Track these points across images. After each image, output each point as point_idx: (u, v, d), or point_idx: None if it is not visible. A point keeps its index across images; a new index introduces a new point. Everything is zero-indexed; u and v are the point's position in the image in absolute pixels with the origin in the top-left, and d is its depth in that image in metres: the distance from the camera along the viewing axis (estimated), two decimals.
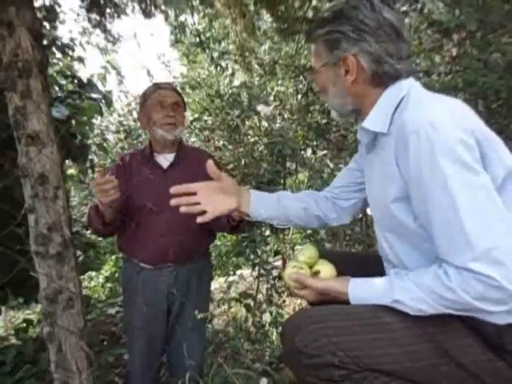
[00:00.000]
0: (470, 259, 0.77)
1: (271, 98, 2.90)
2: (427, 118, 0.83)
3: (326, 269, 1.08)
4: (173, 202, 1.13)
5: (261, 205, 1.24)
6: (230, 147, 2.73)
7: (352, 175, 1.30)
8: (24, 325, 2.43)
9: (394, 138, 0.91)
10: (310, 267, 1.11)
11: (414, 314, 0.86)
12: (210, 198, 1.14)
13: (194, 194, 1.14)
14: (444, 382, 0.87)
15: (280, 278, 2.59)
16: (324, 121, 2.81)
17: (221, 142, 2.86)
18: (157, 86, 1.74)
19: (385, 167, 0.97)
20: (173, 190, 1.14)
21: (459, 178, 0.79)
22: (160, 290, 1.68)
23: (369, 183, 1.15)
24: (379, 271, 1.07)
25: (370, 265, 1.12)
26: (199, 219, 1.11)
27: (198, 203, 1.13)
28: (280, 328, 2.21)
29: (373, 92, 1.01)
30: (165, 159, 1.74)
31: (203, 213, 1.12)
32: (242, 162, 2.58)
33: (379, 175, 1.02)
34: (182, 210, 1.13)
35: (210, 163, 1.18)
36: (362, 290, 0.95)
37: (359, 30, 0.96)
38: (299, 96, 2.94)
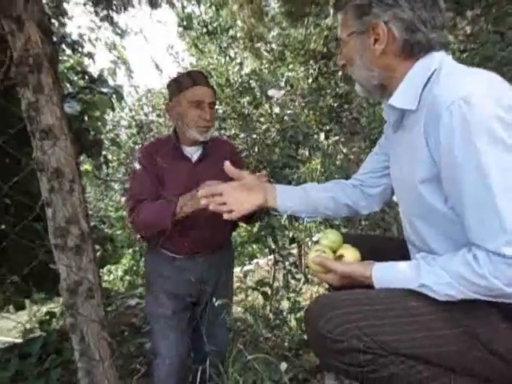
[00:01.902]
0: (503, 243, 0.74)
1: (282, 83, 2.86)
2: (461, 93, 0.77)
3: (350, 253, 1.06)
4: (203, 201, 1.16)
5: (287, 199, 1.23)
6: (243, 135, 2.71)
7: (377, 160, 1.25)
8: (47, 317, 2.49)
9: (424, 115, 0.86)
10: (334, 252, 1.09)
11: (441, 300, 0.84)
12: (236, 197, 1.15)
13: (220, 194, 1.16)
14: (476, 367, 0.84)
15: (296, 265, 2.59)
16: (336, 104, 2.76)
17: (232, 131, 2.84)
18: (193, 81, 1.62)
19: (413, 146, 0.91)
20: (200, 193, 1.17)
21: (495, 158, 0.74)
22: (191, 279, 1.67)
23: (394, 164, 1.09)
24: (404, 256, 1.04)
25: (394, 249, 1.09)
26: (226, 216, 1.14)
27: (225, 203, 1.14)
28: (298, 314, 2.21)
29: (402, 65, 0.94)
30: (193, 152, 1.70)
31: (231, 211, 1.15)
32: (256, 149, 2.56)
33: (406, 155, 0.97)
34: (211, 208, 1.15)
35: (227, 165, 1.19)
36: (388, 274, 0.92)
37: None
38: (310, 80, 2.89)
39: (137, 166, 1.66)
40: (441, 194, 0.87)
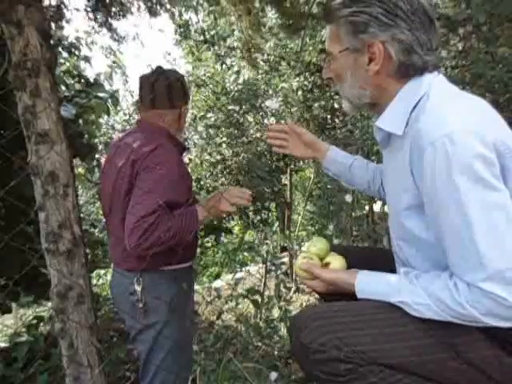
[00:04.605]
0: (481, 279, 0.75)
1: (277, 93, 2.89)
2: (445, 130, 0.77)
3: (337, 261, 1.09)
4: (269, 134, 1.35)
5: (334, 164, 1.33)
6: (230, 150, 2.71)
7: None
8: (35, 321, 2.45)
9: (410, 144, 0.85)
10: (321, 259, 1.11)
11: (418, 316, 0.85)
12: (295, 141, 1.33)
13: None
14: (454, 377, 0.86)
15: (287, 274, 2.60)
16: (328, 116, 2.80)
17: (223, 139, 2.84)
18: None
19: (399, 172, 0.92)
20: (275, 125, 1.39)
21: (475, 195, 0.76)
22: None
23: (384, 178, 1.12)
24: (389, 267, 1.06)
25: (381, 260, 1.10)
26: (276, 148, 1.34)
27: (285, 140, 1.33)
28: (288, 323, 2.21)
29: (393, 85, 0.92)
30: None
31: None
32: (241, 157, 2.57)
33: (392, 178, 0.99)
34: (270, 141, 1.36)
35: (292, 125, 1.35)
36: (369, 285, 0.94)
37: (392, 13, 0.85)
38: (305, 92, 2.92)
39: (172, 168, 1.30)
40: (424, 221, 0.88)
